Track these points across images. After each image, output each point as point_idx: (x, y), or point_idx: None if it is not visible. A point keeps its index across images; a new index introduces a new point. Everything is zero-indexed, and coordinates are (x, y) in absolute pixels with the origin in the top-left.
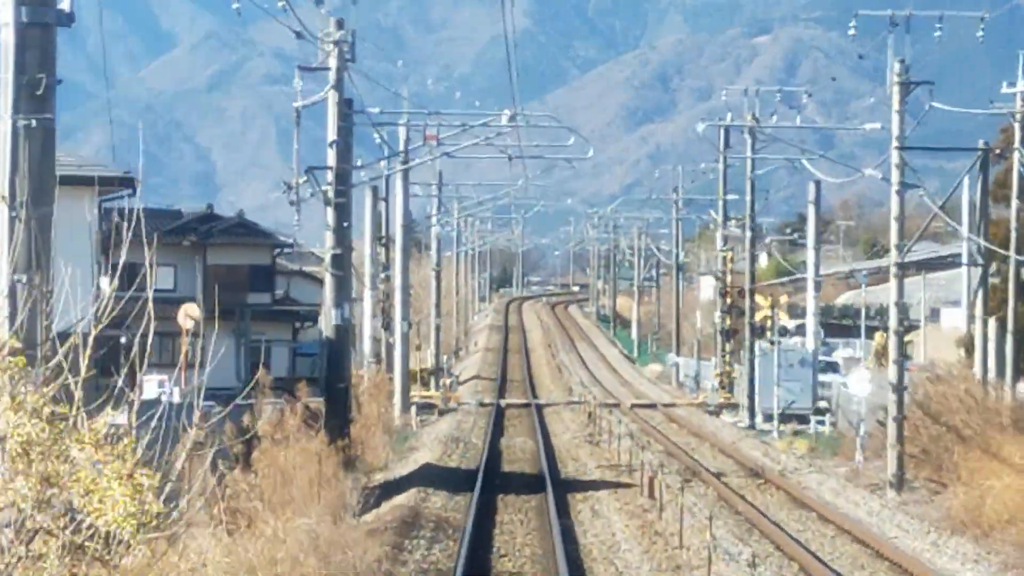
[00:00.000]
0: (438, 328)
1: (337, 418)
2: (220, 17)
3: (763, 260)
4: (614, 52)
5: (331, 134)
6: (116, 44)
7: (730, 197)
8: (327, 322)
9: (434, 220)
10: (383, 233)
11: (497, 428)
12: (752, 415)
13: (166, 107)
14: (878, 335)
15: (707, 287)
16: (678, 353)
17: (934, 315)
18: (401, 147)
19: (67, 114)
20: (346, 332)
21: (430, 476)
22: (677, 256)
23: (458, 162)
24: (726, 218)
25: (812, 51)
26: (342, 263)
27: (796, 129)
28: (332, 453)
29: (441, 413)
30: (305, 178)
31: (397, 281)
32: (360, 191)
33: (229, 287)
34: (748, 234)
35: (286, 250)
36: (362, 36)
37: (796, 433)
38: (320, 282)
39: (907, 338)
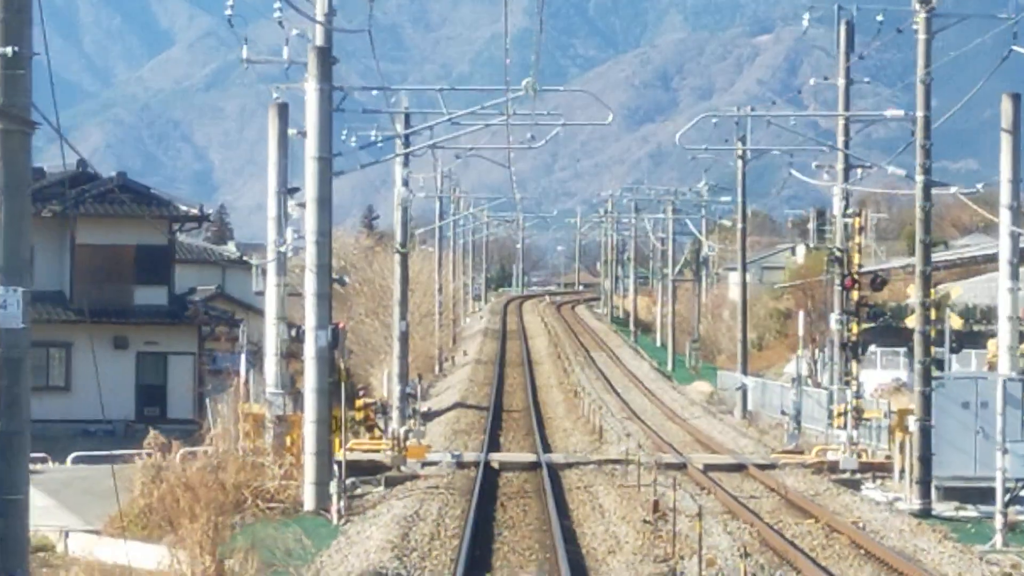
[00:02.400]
0: (404, 337)
1: None
2: (218, 16)
3: (800, 252)
4: (614, 51)
5: None
6: (114, 43)
7: (891, 115)
8: None
9: (397, 163)
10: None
11: (479, 537)
12: (926, 491)
13: (164, 106)
14: (991, 344)
15: (736, 286)
16: (745, 371)
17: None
18: None
19: (64, 113)
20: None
21: None
22: (744, 230)
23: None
24: (848, 165)
25: (814, 51)
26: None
27: None
28: None
29: (390, 484)
30: None
31: (311, 258)
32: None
33: (109, 277)
34: (920, 179)
35: (191, 225)
36: (359, 35)
37: (1013, 529)
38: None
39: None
